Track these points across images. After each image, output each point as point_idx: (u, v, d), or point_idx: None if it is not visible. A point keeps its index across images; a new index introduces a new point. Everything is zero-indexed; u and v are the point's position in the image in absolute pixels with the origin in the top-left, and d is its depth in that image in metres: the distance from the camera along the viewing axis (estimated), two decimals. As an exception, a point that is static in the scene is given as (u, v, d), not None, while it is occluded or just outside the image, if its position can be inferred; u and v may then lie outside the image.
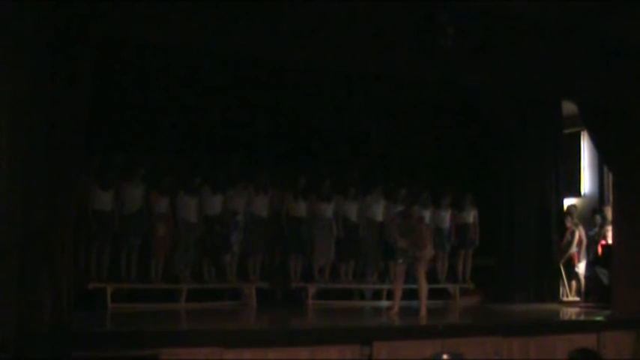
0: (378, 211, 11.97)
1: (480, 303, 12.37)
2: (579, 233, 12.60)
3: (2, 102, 6.50)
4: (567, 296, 12.65)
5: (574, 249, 12.57)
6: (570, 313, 11.46)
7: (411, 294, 10.51)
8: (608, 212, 12.20)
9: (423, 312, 9.77)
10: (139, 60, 10.36)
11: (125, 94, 10.74)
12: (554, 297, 12.58)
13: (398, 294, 10.13)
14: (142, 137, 11.12)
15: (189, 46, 8.93)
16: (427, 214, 11.68)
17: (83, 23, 7.14)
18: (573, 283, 12.77)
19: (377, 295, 12.21)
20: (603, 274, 11.89)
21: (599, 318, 10.24)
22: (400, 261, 9.92)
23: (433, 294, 11.01)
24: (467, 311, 11.52)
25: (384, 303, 11.63)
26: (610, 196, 12.55)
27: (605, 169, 13.10)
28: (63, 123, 7.17)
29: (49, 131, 6.87)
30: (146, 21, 7.42)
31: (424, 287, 9.98)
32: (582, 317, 10.91)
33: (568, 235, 12.64)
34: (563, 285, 12.76)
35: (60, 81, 7.07)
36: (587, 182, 14.29)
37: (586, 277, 12.56)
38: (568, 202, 13.60)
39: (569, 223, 12.65)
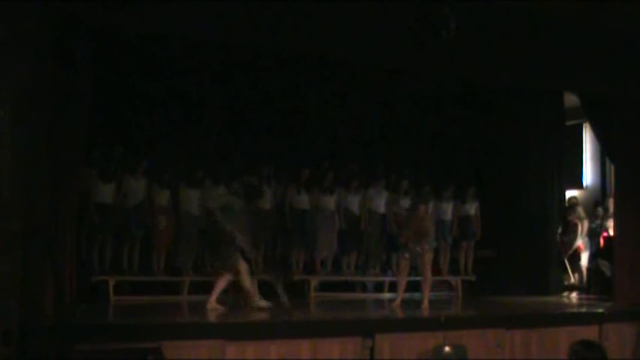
0: (381, 203, 11.98)
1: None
2: (581, 226, 12.54)
3: (4, 95, 6.49)
4: (569, 288, 12.64)
5: (579, 242, 12.54)
6: (572, 305, 11.47)
7: (413, 286, 10.53)
8: (610, 204, 12.18)
9: (426, 304, 9.78)
10: (141, 52, 10.35)
11: (127, 86, 10.75)
12: (556, 289, 12.58)
13: (402, 286, 10.16)
14: (144, 129, 11.13)
15: (191, 37, 8.91)
16: (430, 207, 11.68)
17: (84, 15, 7.13)
18: (575, 275, 12.76)
19: (379, 288, 12.22)
20: (605, 266, 11.89)
21: (601, 310, 10.23)
22: (406, 255, 9.93)
23: (435, 286, 10.99)
24: (469, 303, 11.53)
25: (386, 295, 11.64)
26: (612, 187, 12.53)
27: (608, 160, 13.09)
28: (64, 116, 7.18)
29: (50, 124, 6.87)
30: (147, 12, 7.40)
31: (429, 280, 9.99)
32: (584, 309, 10.91)
33: (572, 228, 12.60)
34: (566, 277, 12.75)
35: (61, 74, 7.07)
36: (589, 174, 14.28)
37: (588, 269, 12.56)
38: (570, 194, 13.59)
39: (571, 217, 12.61)
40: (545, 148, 12.95)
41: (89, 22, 7.26)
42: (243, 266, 8.91)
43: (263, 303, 9.00)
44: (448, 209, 12.38)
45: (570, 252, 12.53)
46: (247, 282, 8.93)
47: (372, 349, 7.86)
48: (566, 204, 13.14)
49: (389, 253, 12.15)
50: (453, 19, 8.25)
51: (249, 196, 9.35)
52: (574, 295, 12.28)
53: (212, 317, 8.60)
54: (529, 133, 12.89)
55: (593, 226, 12.67)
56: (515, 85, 11.27)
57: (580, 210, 12.69)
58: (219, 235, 8.99)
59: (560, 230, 12.68)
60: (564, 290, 12.42)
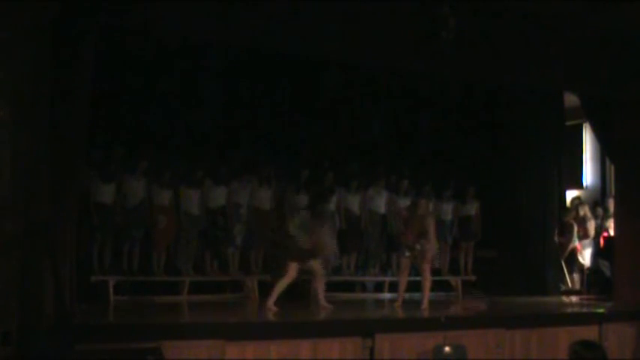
0: (381, 203, 11.97)
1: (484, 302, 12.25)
2: (577, 228, 12.52)
3: (3, 95, 6.49)
4: (567, 292, 12.63)
5: (575, 243, 12.53)
6: (572, 305, 11.46)
7: (413, 286, 10.52)
8: (610, 204, 12.19)
9: (426, 304, 9.78)
10: (141, 51, 10.35)
11: (127, 86, 10.74)
12: (556, 289, 12.57)
13: (402, 286, 10.15)
14: (144, 130, 11.12)
15: (191, 38, 8.92)
16: (430, 207, 11.66)
17: (84, 14, 7.13)
18: (575, 275, 12.76)
19: (379, 288, 12.21)
20: (605, 266, 11.89)
21: (600, 310, 10.24)
22: (407, 254, 9.92)
23: (435, 286, 11.01)
24: (469, 303, 11.52)
25: (386, 295, 11.63)
26: (612, 188, 12.53)
27: (608, 160, 13.09)
28: (64, 116, 7.17)
29: (50, 124, 6.87)
30: (148, 12, 7.40)
31: (428, 280, 9.99)
32: (584, 309, 10.91)
33: (568, 229, 12.59)
34: (565, 278, 12.74)
35: (61, 74, 7.06)
36: (589, 174, 14.28)
37: (588, 269, 12.56)
38: (570, 194, 13.59)
39: (567, 218, 12.59)
40: (545, 148, 12.95)
41: (89, 22, 7.26)
42: (292, 272, 9.21)
43: (274, 307, 9.03)
44: (448, 209, 12.37)
45: (567, 253, 12.53)
46: (282, 286, 9.23)
47: (372, 349, 7.86)
48: (570, 205, 13.14)
49: (389, 253, 12.14)
50: (452, 19, 8.24)
51: (315, 201, 9.93)
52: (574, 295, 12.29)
53: (212, 317, 8.60)
54: (529, 133, 12.89)
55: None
56: (515, 85, 11.27)
57: (587, 209, 12.68)
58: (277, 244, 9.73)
59: (556, 231, 12.66)
60: (563, 294, 12.41)
